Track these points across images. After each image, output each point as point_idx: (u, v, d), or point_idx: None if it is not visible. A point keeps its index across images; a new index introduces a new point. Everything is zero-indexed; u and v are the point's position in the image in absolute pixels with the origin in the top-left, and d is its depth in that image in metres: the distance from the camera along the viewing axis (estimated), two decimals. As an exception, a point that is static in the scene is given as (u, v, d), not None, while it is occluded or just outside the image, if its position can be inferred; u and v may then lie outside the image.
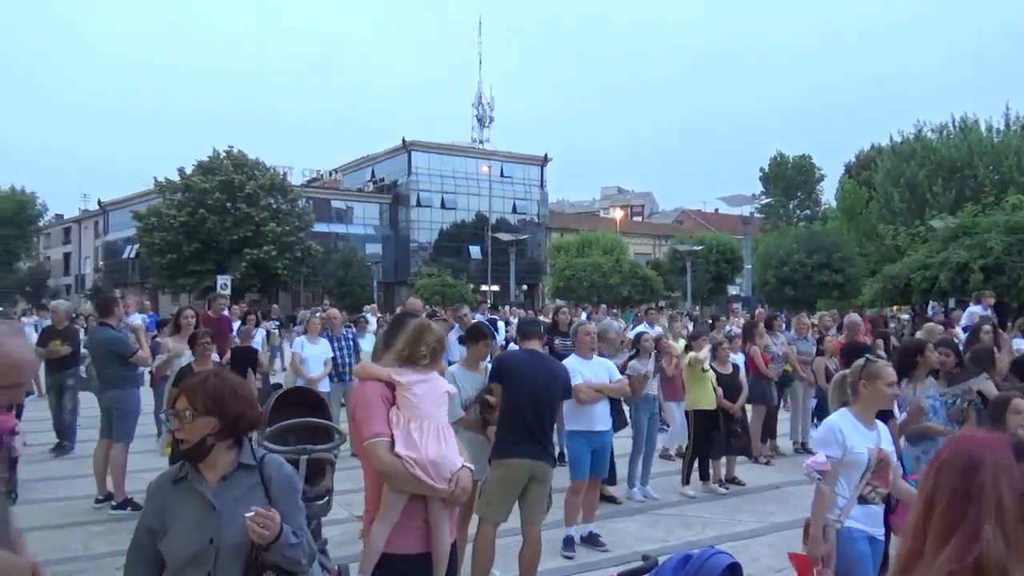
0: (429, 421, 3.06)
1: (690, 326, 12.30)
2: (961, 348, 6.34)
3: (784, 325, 10.94)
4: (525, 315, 17.64)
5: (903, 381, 5.24)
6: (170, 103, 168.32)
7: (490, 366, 5.33)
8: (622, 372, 6.80)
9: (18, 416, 6.04)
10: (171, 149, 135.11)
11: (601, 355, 6.39)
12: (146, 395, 8.17)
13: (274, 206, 39.74)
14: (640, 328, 10.32)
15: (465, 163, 53.04)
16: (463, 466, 3.08)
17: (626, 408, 7.30)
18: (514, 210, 53.66)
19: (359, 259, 43.43)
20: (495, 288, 43.83)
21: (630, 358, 7.69)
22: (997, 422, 3.93)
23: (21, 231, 46.94)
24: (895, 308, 26.19)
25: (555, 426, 5.28)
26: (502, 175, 53.30)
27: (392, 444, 2.97)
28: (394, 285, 48.95)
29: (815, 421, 9.50)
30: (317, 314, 10.99)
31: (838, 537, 3.55)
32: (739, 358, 8.76)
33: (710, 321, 14.66)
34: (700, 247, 39.15)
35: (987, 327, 7.69)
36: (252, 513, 2.18)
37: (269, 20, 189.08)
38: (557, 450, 6.17)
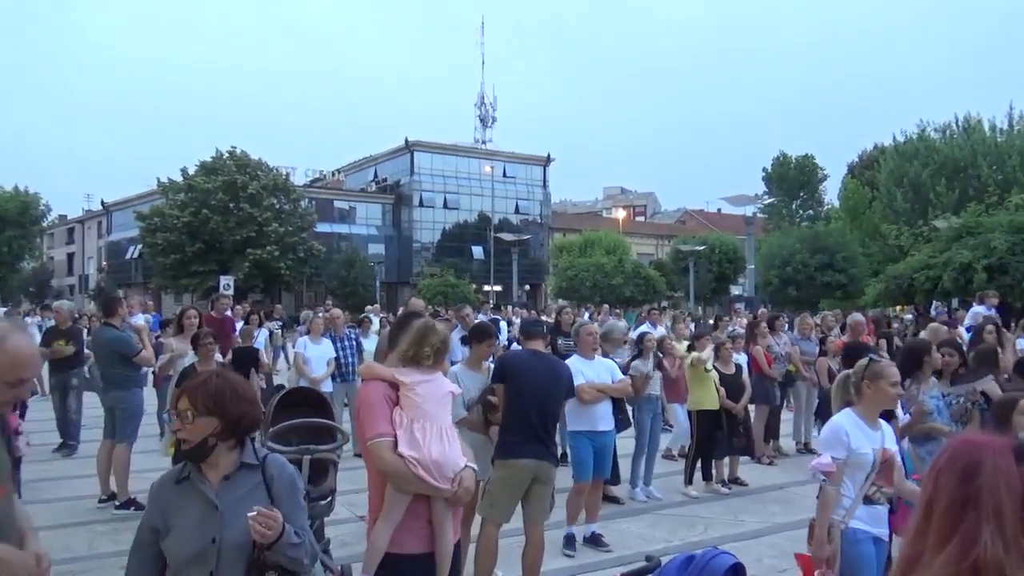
0: (432, 421, 3.06)
1: (692, 326, 12.29)
2: (965, 348, 6.33)
3: (787, 325, 10.92)
4: (527, 315, 17.64)
5: (906, 381, 5.22)
6: (173, 104, 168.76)
7: (492, 366, 5.33)
8: (624, 372, 6.79)
9: (22, 416, 6.05)
10: (174, 150, 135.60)
11: (606, 355, 6.38)
12: (149, 395, 8.19)
13: (277, 206, 39.81)
14: (643, 328, 10.32)
15: (468, 163, 53.05)
16: (466, 466, 3.08)
17: (629, 408, 7.29)
18: (517, 210, 53.65)
19: (362, 259, 43.45)
20: (498, 288, 43.83)
21: (633, 358, 7.68)
22: (1002, 423, 3.91)
23: (25, 231, 46.94)
24: (898, 308, 26.16)
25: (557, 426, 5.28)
26: (505, 175, 53.31)
27: (395, 444, 2.98)
28: (397, 285, 48.97)
29: (817, 421, 9.49)
30: (320, 314, 11.00)
31: (842, 538, 3.53)
32: (742, 358, 8.75)
33: (713, 321, 14.65)
34: (703, 247, 39.09)
35: (990, 327, 7.68)
36: (254, 512, 2.18)
37: (271, 20, 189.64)
38: (560, 451, 6.18)
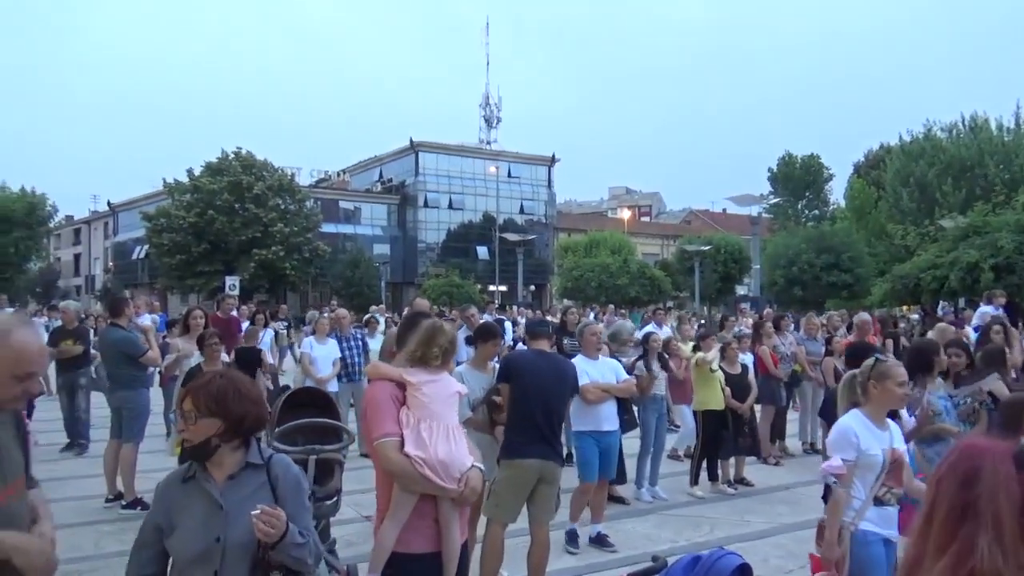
0: (439, 421, 3.06)
1: (696, 326, 12.27)
2: (972, 348, 6.30)
3: (793, 325, 10.90)
4: (532, 315, 17.63)
5: (910, 383, 5.20)
6: (173, 104, 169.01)
7: (497, 366, 5.33)
8: (629, 372, 6.78)
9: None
10: (175, 150, 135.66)
11: (613, 355, 6.37)
12: (156, 395, 8.22)
13: (282, 207, 39.87)
14: (648, 328, 10.31)
15: (473, 164, 53.05)
16: (473, 466, 3.08)
17: (635, 408, 7.28)
18: (521, 210, 53.64)
19: (367, 259, 43.52)
20: (503, 288, 43.81)
21: (639, 358, 7.67)
22: (1010, 424, 3.87)
23: (32, 232, 47.13)
24: (904, 308, 26.08)
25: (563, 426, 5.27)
26: (509, 175, 53.30)
27: (402, 444, 2.98)
28: (402, 285, 49.01)
29: (821, 423, 9.45)
30: (325, 314, 11.02)
31: (852, 540, 3.50)
32: (748, 358, 8.73)
33: (719, 321, 14.61)
34: (708, 247, 38.96)
35: (997, 327, 7.64)
36: (258, 511, 2.19)
37: (271, 20, 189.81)
38: (565, 451, 6.17)
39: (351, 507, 6.14)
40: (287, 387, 8.08)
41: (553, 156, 55.56)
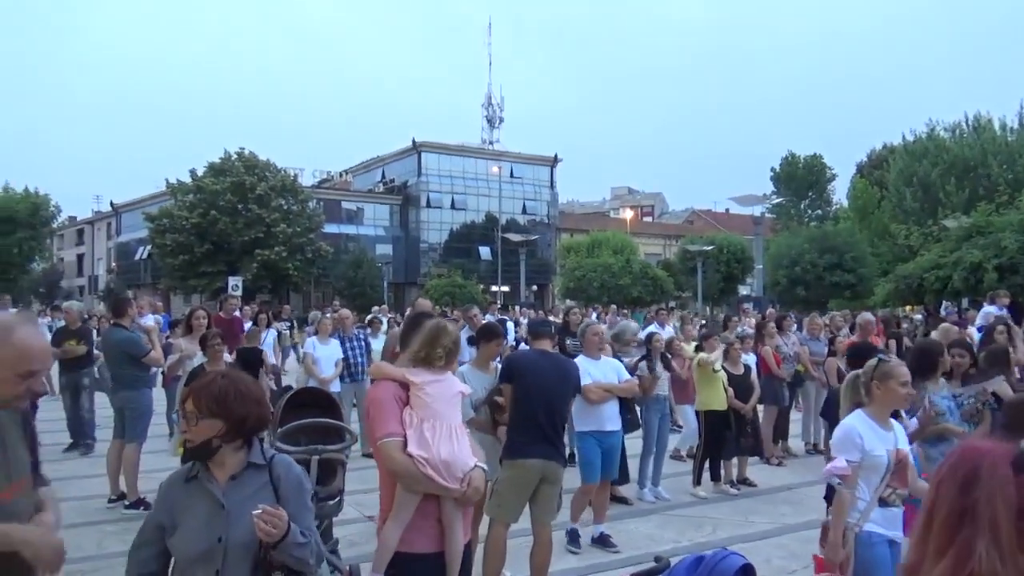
0: (442, 421, 3.06)
1: (698, 326, 12.25)
2: (976, 349, 6.29)
3: (795, 325, 10.88)
4: (535, 316, 17.62)
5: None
6: (174, 104, 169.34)
7: (499, 366, 5.33)
8: (632, 372, 6.78)
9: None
10: (176, 150, 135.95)
11: (616, 355, 6.36)
12: (159, 395, 8.22)
13: (285, 207, 39.94)
14: (651, 329, 10.30)
15: (475, 164, 53.05)
16: (476, 466, 3.08)
17: (637, 409, 7.28)
18: (524, 211, 53.64)
19: (369, 260, 43.56)
20: (505, 289, 43.84)
21: (642, 358, 7.67)
22: (1014, 425, 3.85)
23: (35, 233, 47.31)
24: (908, 308, 26.03)
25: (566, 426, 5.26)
26: (512, 176, 53.30)
27: (404, 444, 2.98)
28: (404, 286, 49.04)
29: (824, 424, 9.44)
30: (328, 315, 11.03)
31: (857, 541, 3.49)
32: (751, 358, 8.72)
33: (722, 321, 14.60)
34: (711, 247, 38.97)
35: (1001, 327, 7.62)
36: (259, 511, 2.19)
37: (271, 20, 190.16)
38: (567, 451, 6.16)
39: (354, 507, 6.14)
40: (290, 387, 8.10)
41: (555, 156, 55.56)
